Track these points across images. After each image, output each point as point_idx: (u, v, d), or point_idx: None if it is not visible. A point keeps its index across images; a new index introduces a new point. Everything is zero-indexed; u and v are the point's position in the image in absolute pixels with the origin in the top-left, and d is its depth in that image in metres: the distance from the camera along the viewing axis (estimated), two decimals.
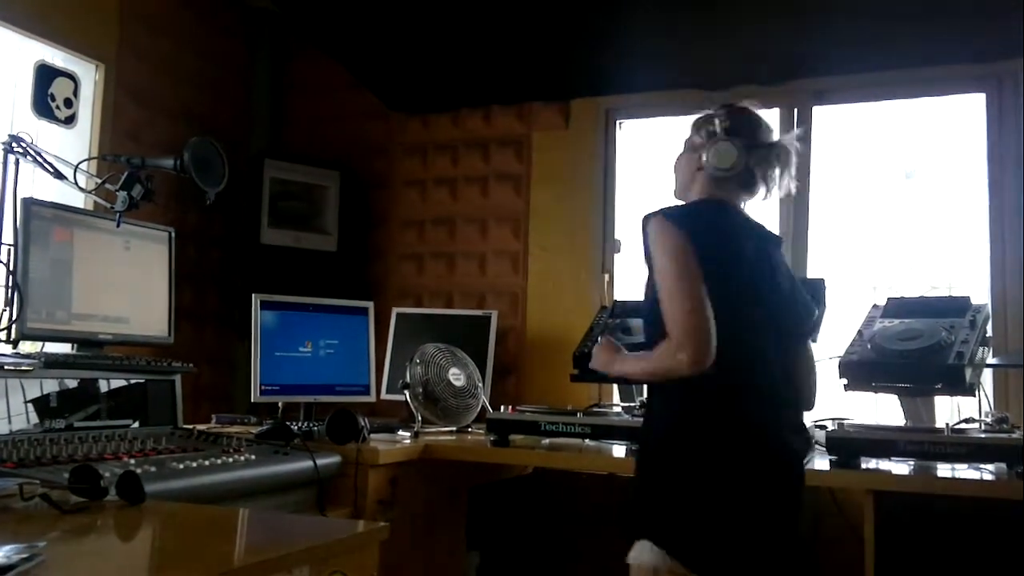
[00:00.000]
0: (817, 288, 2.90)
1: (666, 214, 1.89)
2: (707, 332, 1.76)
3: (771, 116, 3.41)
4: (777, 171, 1.99)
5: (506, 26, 3.38)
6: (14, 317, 2.31)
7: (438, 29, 3.44)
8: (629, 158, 3.73)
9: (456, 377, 3.01)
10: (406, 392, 2.92)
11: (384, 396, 3.37)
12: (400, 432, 2.84)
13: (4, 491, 1.54)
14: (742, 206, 2.03)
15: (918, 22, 2.97)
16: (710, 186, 2.01)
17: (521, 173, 3.79)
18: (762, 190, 2.01)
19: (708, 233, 1.86)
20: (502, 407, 2.86)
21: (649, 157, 3.74)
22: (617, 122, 3.72)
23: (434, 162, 3.93)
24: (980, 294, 2.95)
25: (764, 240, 2.02)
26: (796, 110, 3.43)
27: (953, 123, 3.27)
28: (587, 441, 2.67)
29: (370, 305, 3.26)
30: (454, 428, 2.99)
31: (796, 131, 2.15)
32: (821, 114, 3.41)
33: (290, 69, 4.18)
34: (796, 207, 3.38)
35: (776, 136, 2.04)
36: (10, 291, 2.33)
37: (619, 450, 2.65)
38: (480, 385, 3.12)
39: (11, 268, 2.34)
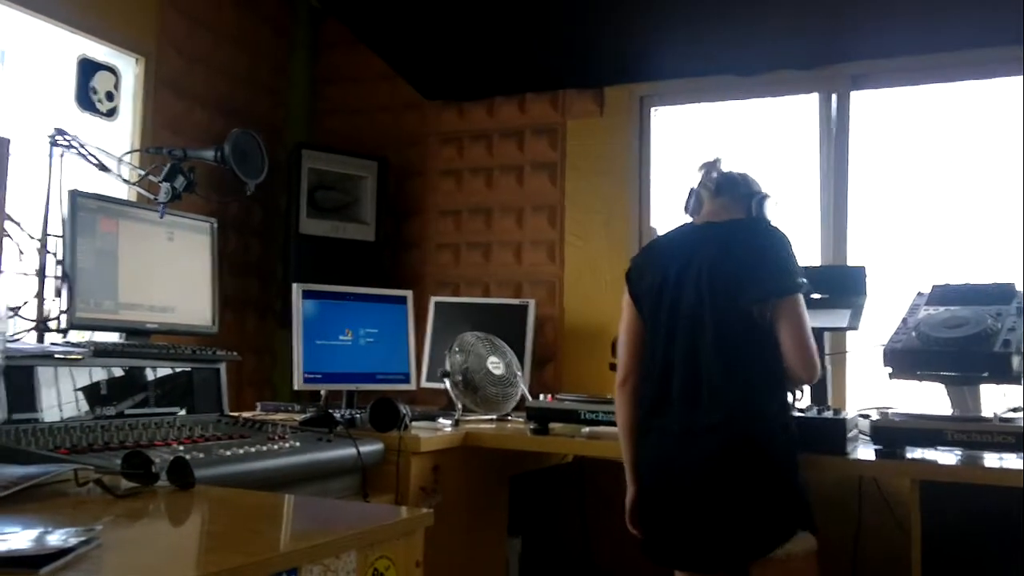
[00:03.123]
0: (857, 276, 2.87)
1: (632, 260, 2.40)
2: (623, 366, 2.30)
3: (808, 102, 3.42)
4: (703, 187, 2.37)
5: (540, 13, 3.37)
6: (64, 307, 2.36)
7: (472, 17, 3.44)
8: (664, 145, 3.71)
9: (495, 365, 3.02)
10: (446, 380, 2.94)
11: (424, 384, 3.39)
12: (441, 420, 2.86)
13: (60, 476, 1.57)
14: (713, 216, 2.32)
15: (958, 4, 2.92)
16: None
17: (556, 161, 3.78)
18: (708, 203, 2.36)
19: (639, 279, 2.31)
20: (541, 395, 2.87)
21: (684, 144, 3.71)
22: (652, 109, 3.70)
23: (470, 151, 3.94)
24: None
25: (696, 245, 2.24)
26: (834, 95, 3.39)
27: (996, 106, 3.21)
28: None
29: (409, 294, 3.28)
30: (494, 416, 3.00)
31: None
32: (859, 99, 3.37)
33: (326, 60, 4.21)
34: (835, 194, 3.35)
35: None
36: (59, 281, 2.37)
37: None
38: (519, 373, 3.12)
39: (59, 259, 2.39)
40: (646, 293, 2.26)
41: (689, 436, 2.10)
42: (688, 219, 2.39)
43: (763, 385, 2.11)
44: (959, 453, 2.26)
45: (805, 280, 2.14)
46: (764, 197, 2.31)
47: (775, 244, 2.18)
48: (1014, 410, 2.36)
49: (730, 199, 2.32)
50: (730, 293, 2.12)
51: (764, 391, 2.11)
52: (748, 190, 2.33)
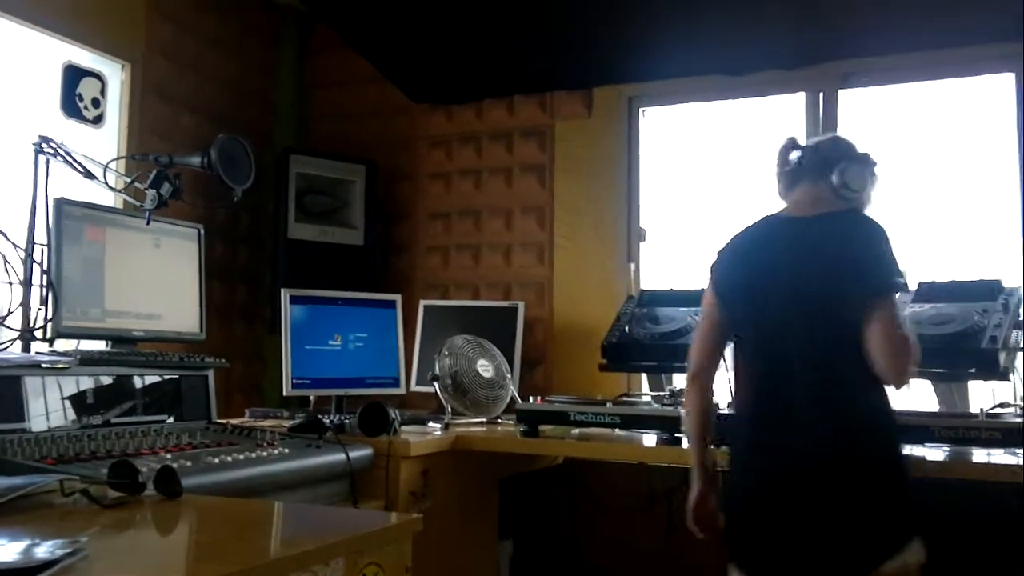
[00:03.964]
0: None
1: (718, 252, 2.24)
2: (695, 361, 2.22)
3: (796, 101, 3.43)
4: (780, 171, 2.23)
5: (527, 15, 3.37)
6: (50, 316, 2.35)
7: (459, 20, 3.44)
8: (653, 146, 3.71)
9: (484, 368, 3.02)
10: (435, 384, 2.93)
11: (414, 388, 3.39)
12: (431, 424, 2.86)
13: (45, 487, 1.56)
14: (798, 206, 2.17)
15: (945, 2, 2.93)
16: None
17: (545, 163, 3.79)
18: (788, 192, 2.21)
19: (725, 276, 2.19)
20: (531, 398, 2.87)
21: (673, 144, 3.72)
22: (640, 110, 3.71)
23: (458, 154, 3.94)
24: (1012, 277, 2.91)
25: (786, 245, 2.11)
26: (821, 94, 3.40)
27: (983, 103, 3.22)
28: (617, 431, 2.67)
29: (398, 298, 3.28)
30: (484, 419, 3.00)
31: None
32: (847, 98, 3.38)
33: (313, 65, 4.20)
34: None
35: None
36: (45, 290, 2.36)
37: (649, 439, 2.65)
38: (509, 376, 3.12)
39: (45, 267, 2.38)
40: (736, 295, 2.14)
41: (790, 448, 1.97)
42: (781, 204, 2.25)
43: (867, 390, 1.98)
44: (946, 449, 2.27)
45: (903, 279, 1.98)
46: (844, 167, 2.12)
47: (867, 240, 2.03)
48: (1000, 406, 2.38)
49: (811, 182, 2.16)
50: (824, 296, 1.99)
51: (868, 396, 1.98)
52: (828, 165, 2.14)
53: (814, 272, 2.02)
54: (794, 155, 2.19)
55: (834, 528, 1.91)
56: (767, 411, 2.04)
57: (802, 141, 2.23)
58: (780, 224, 2.17)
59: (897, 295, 1.98)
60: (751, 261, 2.15)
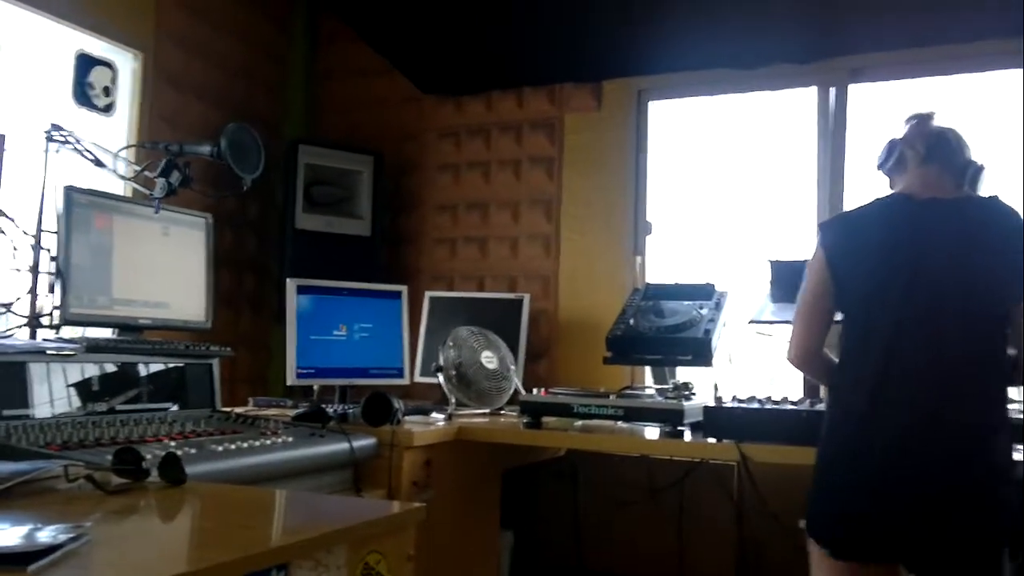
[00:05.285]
0: None
1: (821, 226, 2.17)
2: (802, 341, 2.12)
3: (806, 95, 3.42)
4: (909, 146, 2.13)
5: (537, 7, 3.36)
6: (57, 303, 2.36)
7: (469, 11, 3.44)
8: (662, 139, 3.70)
9: (489, 360, 3.03)
10: (439, 375, 2.94)
11: (418, 379, 3.40)
12: (434, 414, 2.86)
13: (50, 473, 1.57)
14: (925, 188, 2.06)
15: None
16: (891, 184, 2.20)
17: (553, 156, 3.78)
18: (916, 169, 2.11)
19: (840, 245, 2.08)
20: (535, 390, 2.87)
21: (681, 138, 3.71)
22: (649, 103, 3.70)
23: (467, 146, 3.94)
24: None
25: (930, 228, 1.99)
26: (832, 89, 3.39)
27: (994, 100, 3.20)
28: (620, 423, 2.67)
29: (404, 289, 3.28)
30: (487, 410, 3.01)
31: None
32: (858, 92, 3.37)
33: (324, 55, 4.20)
34: (832, 188, 3.35)
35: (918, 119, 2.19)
36: (53, 277, 2.38)
37: (652, 432, 2.65)
38: (513, 368, 3.13)
39: (53, 255, 2.39)
40: (860, 275, 2.02)
41: (923, 441, 1.88)
42: (883, 177, 2.19)
43: (1005, 389, 1.95)
44: None
45: None
46: (980, 169, 2.08)
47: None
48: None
49: (940, 167, 2.07)
50: (979, 290, 1.93)
51: (1006, 395, 1.95)
52: (963, 159, 2.09)
53: (972, 263, 1.94)
54: (927, 132, 2.13)
55: (961, 528, 1.86)
56: (901, 399, 1.91)
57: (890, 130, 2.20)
58: (919, 207, 2.03)
59: None
60: (880, 242, 2.02)
